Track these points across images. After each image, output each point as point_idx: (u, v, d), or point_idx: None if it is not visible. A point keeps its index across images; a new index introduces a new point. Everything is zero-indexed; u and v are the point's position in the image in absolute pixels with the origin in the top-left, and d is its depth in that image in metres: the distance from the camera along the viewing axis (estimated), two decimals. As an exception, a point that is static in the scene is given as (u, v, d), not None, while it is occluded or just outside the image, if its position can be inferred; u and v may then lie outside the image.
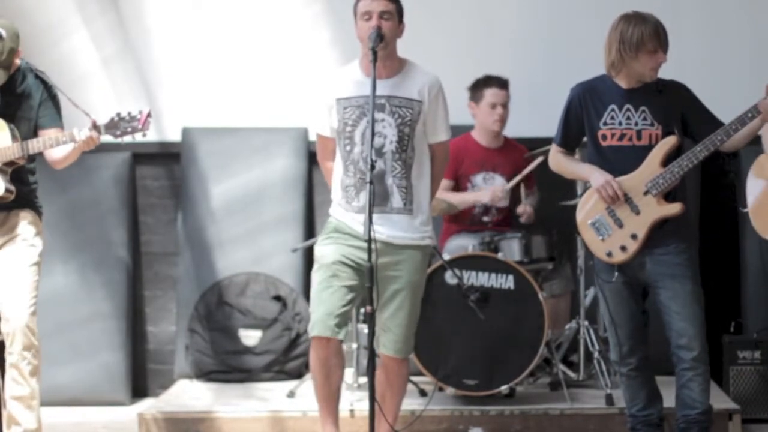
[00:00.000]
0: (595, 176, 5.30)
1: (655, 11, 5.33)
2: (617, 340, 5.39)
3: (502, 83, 6.83)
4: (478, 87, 6.85)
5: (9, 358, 5.50)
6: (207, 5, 7.50)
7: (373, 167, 5.00)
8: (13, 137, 5.44)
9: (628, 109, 5.29)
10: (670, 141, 5.26)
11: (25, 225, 5.55)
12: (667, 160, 5.25)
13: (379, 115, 5.20)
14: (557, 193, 6.74)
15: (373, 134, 5.07)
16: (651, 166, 5.26)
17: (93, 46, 7.47)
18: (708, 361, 5.32)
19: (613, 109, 5.30)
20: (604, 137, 5.30)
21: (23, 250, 5.52)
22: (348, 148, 5.26)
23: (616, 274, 5.31)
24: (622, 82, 5.30)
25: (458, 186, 6.83)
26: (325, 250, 5.28)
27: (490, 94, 6.82)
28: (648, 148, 5.26)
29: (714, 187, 7.20)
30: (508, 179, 6.84)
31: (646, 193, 5.26)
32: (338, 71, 5.43)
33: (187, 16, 7.49)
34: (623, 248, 5.29)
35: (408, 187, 5.27)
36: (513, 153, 6.93)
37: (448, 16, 7.39)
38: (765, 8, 7.32)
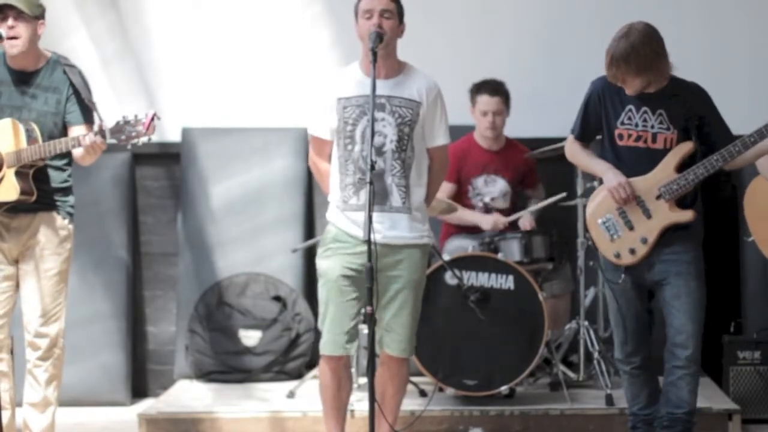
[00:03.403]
0: (609, 176, 5.26)
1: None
2: (622, 338, 5.38)
3: (493, 90, 6.78)
4: (473, 92, 6.84)
5: (27, 364, 5.51)
6: (207, 5, 7.50)
7: (373, 167, 5.00)
8: (30, 138, 5.34)
9: (645, 112, 5.23)
10: (686, 147, 5.22)
11: (47, 231, 5.45)
12: (682, 165, 5.23)
13: (379, 114, 5.20)
14: (557, 194, 6.73)
15: (373, 134, 5.07)
16: (665, 170, 5.23)
17: (93, 46, 7.46)
18: (699, 362, 5.29)
19: (630, 110, 5.24)
20: (621, 137, 5.26)
21: (44, 259, 5.45)
22: (349, 147, 5.25)
23: (623, 276, 5.30)
24: None
25: (460, 188, 6.82)
26: (327, 264, 5.29)
27: (481, 101, 6.80)
28: (663, 152, 5.23)
29: (714, 187, 7.19)
30: (509, 181, 6.84)
31: (658, 198, 5.23)
32: (338, 72, 5.43)
33: (187, 16, 7.49)
34: (632, 251, 5.26)
35: (407, 187, 5.26)
36: (514, 155, 6.91)
37: (448, 17, 7.38)
38: (764, 8, 7.31)
